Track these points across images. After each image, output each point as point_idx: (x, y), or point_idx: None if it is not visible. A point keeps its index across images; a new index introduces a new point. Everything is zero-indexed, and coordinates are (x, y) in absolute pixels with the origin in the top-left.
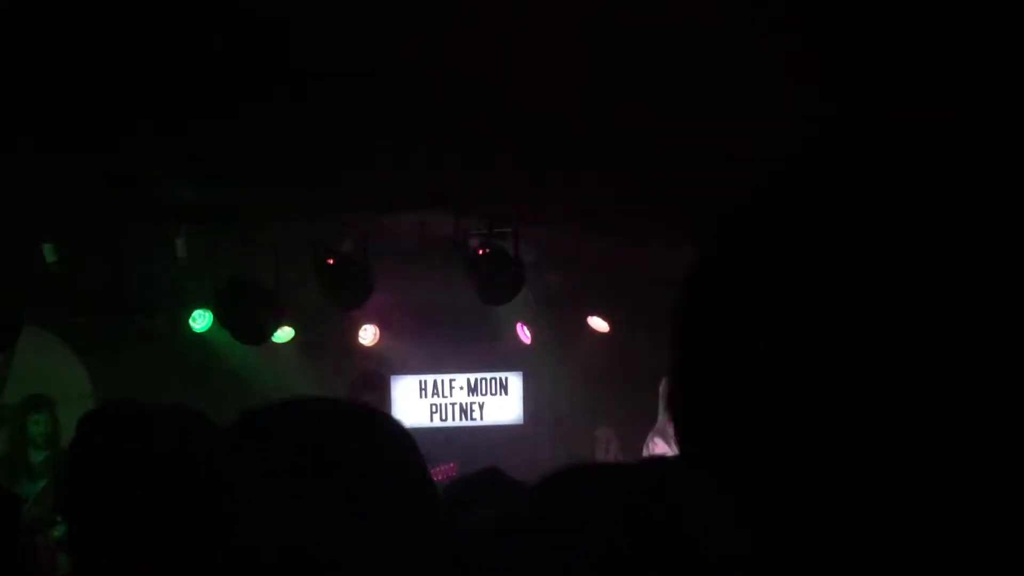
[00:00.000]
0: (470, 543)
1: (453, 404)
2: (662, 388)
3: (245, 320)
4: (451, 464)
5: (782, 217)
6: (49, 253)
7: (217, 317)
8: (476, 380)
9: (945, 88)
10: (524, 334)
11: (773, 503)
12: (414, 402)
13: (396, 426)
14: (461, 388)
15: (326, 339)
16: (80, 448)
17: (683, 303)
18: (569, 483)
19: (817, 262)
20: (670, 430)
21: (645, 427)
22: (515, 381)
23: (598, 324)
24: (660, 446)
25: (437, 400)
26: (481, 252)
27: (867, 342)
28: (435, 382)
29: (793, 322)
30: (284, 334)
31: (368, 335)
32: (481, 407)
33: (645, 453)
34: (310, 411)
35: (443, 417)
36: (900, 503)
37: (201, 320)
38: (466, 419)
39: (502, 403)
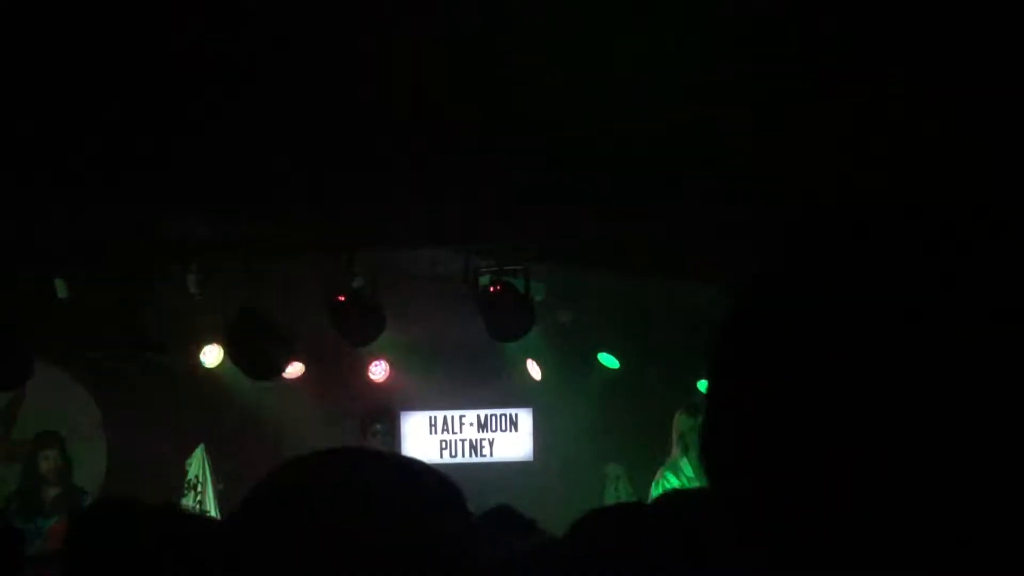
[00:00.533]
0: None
1: (463, 440)
2: (675, 422)
3: (256, 356)
4: None
5: (815, 268)
6: (61, 288)
7: (228, 353)
8: (486, 416)
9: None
10: (534, 370)
11: (798, 539)
12: (424, 438)
13: (447, 484)
14: (471, 424)
15: (336, 374)
16: (75, 546)
17: (719, 344)
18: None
19: (852, 312)
20: (682, 464)
21: (656, 463)
22: (525, 417)
23: (608, 360)
24: (670, 481)
25: (447, 436)
26: (492, 289)
27: (902, 393)
28: (445, 418)
29: (829, 367)
30: (294, 369)
31: (378, 371)
32: (491, 443)
33: (654, 487)
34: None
35: (453, 453)
36: (928, 548)
37: (211, 355)
38: (476, 455)
39: (512, 439)
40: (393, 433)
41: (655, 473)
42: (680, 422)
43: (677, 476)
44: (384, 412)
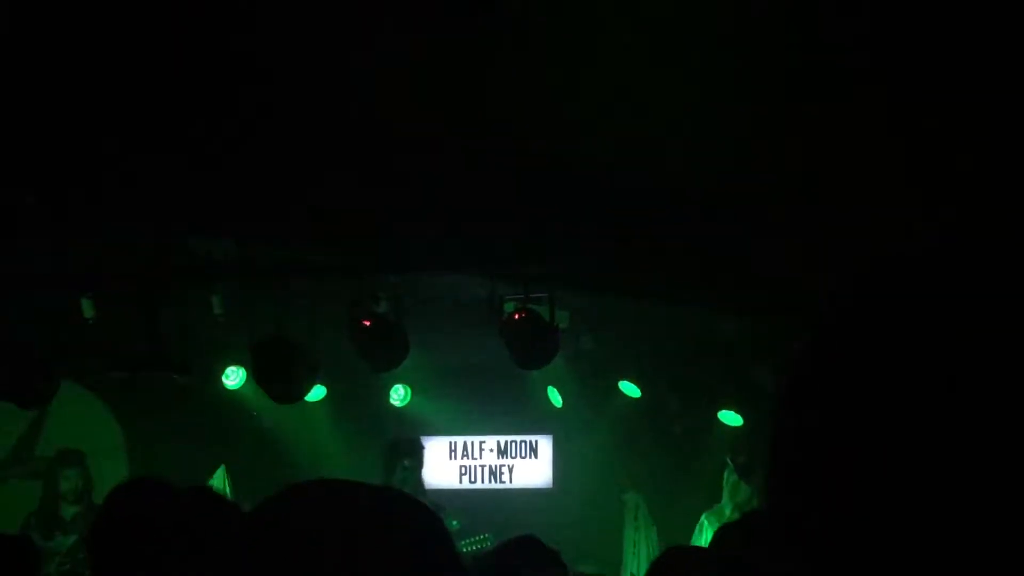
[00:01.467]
0: None
1: (483, 466)
2: (727, 473)
3: (280, 379)
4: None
5: (884, 313)
6: (87, 308)
7: (252, 375)
8: (506, 443)
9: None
10: (555, 397)
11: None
12: (444, 463)
13: (429, 519)
14: (491, 450)
15: (357, 398)
16: (106, 521)
17: (788, 389)
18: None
19: (922, 354)
20: (728, 513)
21: (675, 492)
22: (545, 444)
23: (629, 389)
24: (708, 526)
25: (467, 462)
26: (517, 316)
27: (975, 437)
28: (465, 444)
29: (901, 414)
30: (316, 392)
31: (399, 395)
32: (511, 470)
33: (696, 534)
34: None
35: (472, 479)
36: None
37: (234, 377)
38: (495, 482)
39: (532, 466)
40: (417, 468)
41: (675, 502)
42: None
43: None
44: (411, 445)
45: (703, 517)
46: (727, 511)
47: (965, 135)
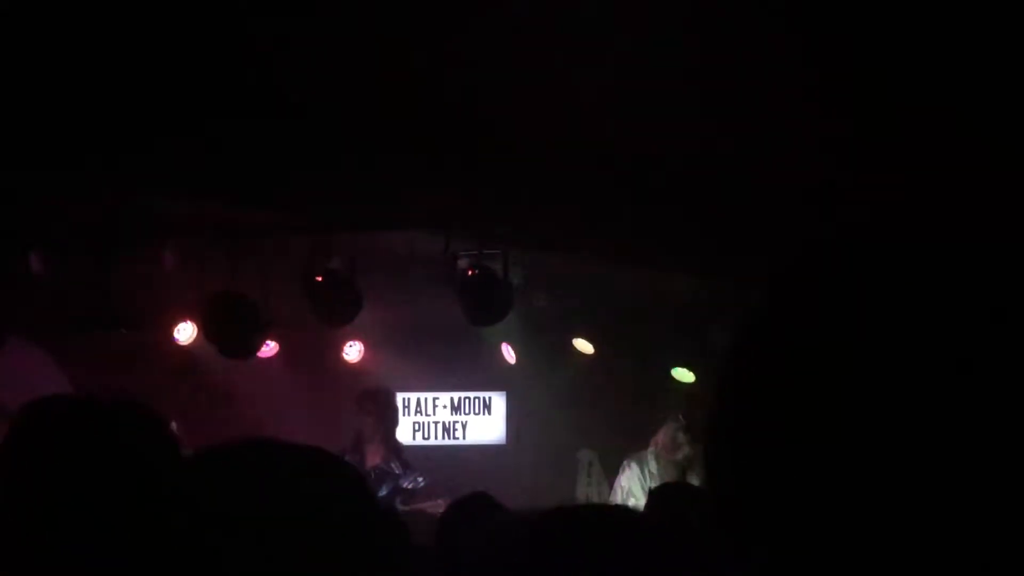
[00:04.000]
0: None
1: (436, 423)
2: (675, 429)
3: (232, 334)
4: (419, 478)
5: (830, 286)
6: (35, 263)
7: (203, 331)
8: (460, 399)
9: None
10: (509, 354)
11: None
12: None
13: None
14: (445, 407)
15: (311, 354)
16: (19, 440)
17: (730, 365)
18: (565, 527)
19: (862, 330)
20: (652, 467)
21: (629, 449)
22: (499, 401)
23: (583, 346)
24: (631, 471)
25: (420, 418)
26: (470, 273)
27: (917, 416)
28: (419, 400)
29: (842, 390)
30: (268, 348)
31: (353, 352)
32: (464, 426)
33: (620, 477)
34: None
35: (426, 435)
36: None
37: (185, 332)
38: (449, 438)
39: (485, 423)
40: (383, 419)
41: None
42: (674, 434)
43: (643, 471)
44: (379, 396)
45: (625, 461)
46: (651, 462)
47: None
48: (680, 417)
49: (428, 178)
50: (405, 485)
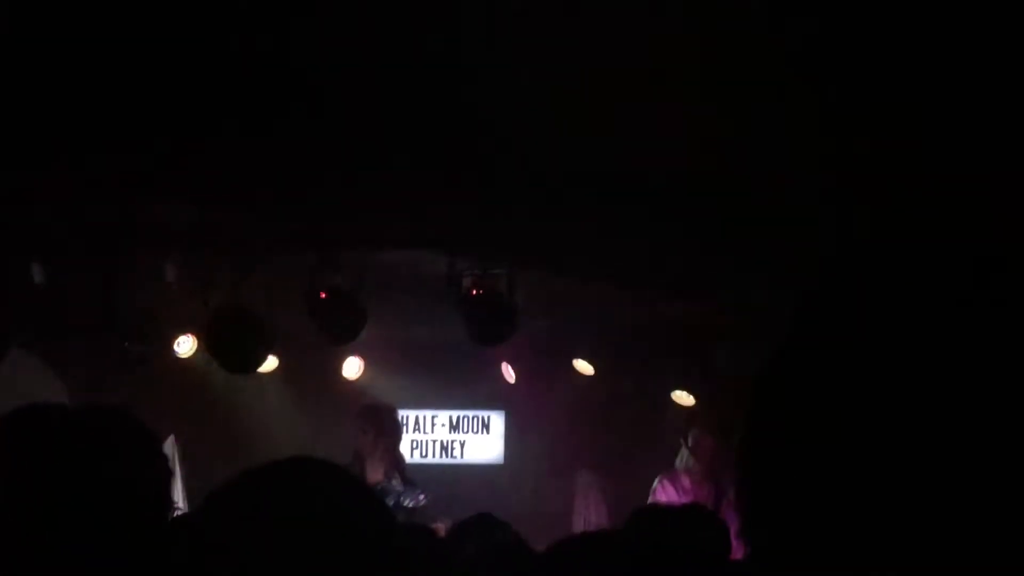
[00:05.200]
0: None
1: (434, 441)
2: (691, 439)
3: (235, 349)
4: (421, 496)
5: (854, 310)
6: (37, 273)
7: (206, 344)
8: (458, 418)
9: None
10: (509, 373)
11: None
12: None
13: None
14: (443, 425)
15: (310, 369)
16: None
17: (761, 389)
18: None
19: (893, 348)
20: (684, 480)
21: (627, 471)
22: (497, 420)
23: (583, 367)
24: (668, 490)
25: (418, 436)
26: (475, 292)
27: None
28: (417, 418)
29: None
30: (268, 363)
31: (352, 368)
32: (462, 445)
33: (652, 497)
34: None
35: (423, 454)
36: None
37: (185, 345)
38: (447, 456)
39: (483, 442)
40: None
41: (630, 481)
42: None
43: (675, 488)
44: (380, 413)
45: (657, 480)
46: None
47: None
48: (682, 442)
49: (433, 197)
50: (407, 503)
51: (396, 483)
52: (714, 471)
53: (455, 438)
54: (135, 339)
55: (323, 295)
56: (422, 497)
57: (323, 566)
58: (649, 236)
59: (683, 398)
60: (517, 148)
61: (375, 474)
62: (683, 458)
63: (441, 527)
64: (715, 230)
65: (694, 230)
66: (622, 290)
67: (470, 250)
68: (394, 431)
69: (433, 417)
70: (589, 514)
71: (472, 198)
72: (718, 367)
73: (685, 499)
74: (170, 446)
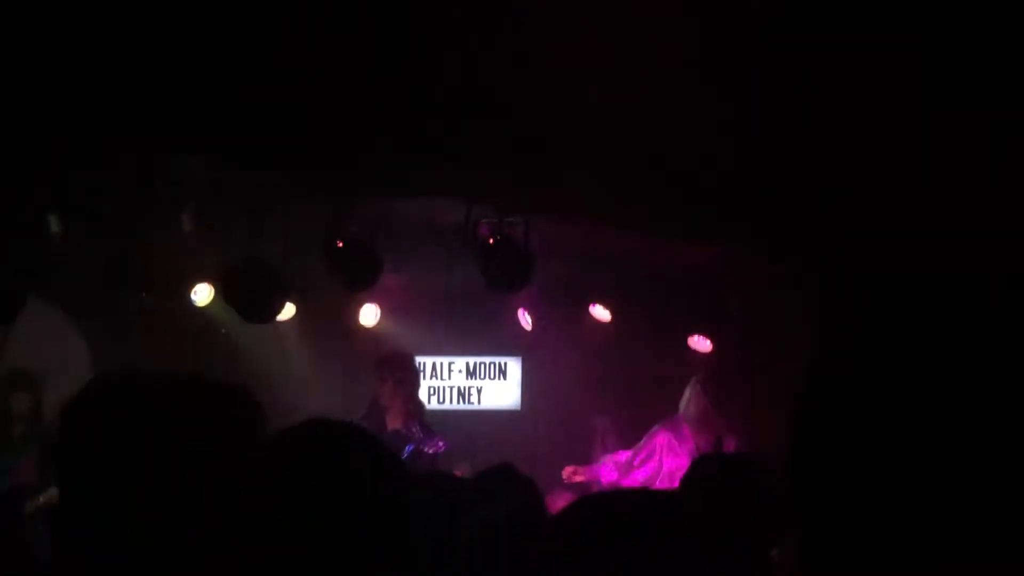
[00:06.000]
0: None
1: (451, 387)
2: (690, 386)
3: (252, 299)
4: (440, 443)
5: (891, 318)
6: (55, 224)
7: (223, 294)
8: (475, 364)
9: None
10: (525, 320)
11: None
12: None
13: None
14: (460, 371)
15: (327, 317)
16: (86, 413)
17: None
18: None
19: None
20: (684, 430)
21: (643, 417)
22: (514, 366)
23: (600, 313)
24: (662, 435)
25: (435, 383)
26: (491, 240)
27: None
28: (434, 364)
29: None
30: (286, 311)
31: (369, 316)
32: (479, 391)
33: (655, 453)
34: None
35: (440, 400)
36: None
37: (202, 294)
38: (464, 403)
39: (500, 388)
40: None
41: (642, 426)
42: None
43: (675, 435)
44: (399, 360)
45: (657, 426)
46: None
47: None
48: (695, 380)
49: (450, 145)
50: (427, 450)
51: (416, 430)
52: (708, 417)
53: (472, 384)
54: (152, 289)
55: (339, 243)
56: (441, 444)
57: (340, 527)
58: (664, 181)
59: (699, 343)
60: (533, 95)
61: (394, 421)
62: (685, 402)
63: (463, 472)
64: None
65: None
66: (638, 236)
67: (487, 197)
68: (412, 379)
69: (450, 364)
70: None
71: (489, 145)
72: (728, 313)
73: (685, 446)
74: None
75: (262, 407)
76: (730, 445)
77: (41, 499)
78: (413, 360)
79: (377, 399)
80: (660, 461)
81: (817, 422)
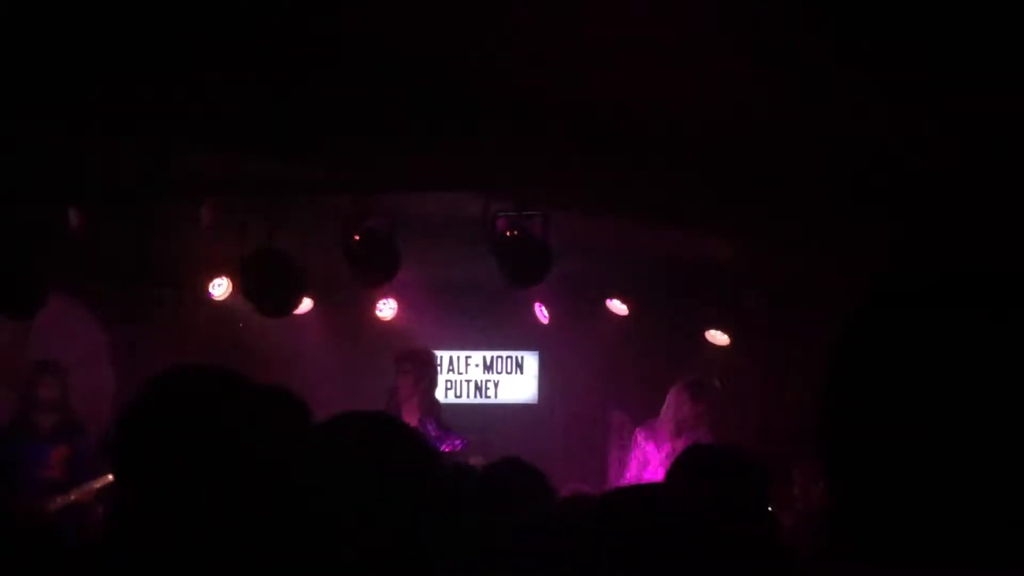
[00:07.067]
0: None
1: (468, 381)
2: (671, 395)
3: (270, 293)
4: (458, 441)
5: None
6: (74, 218)
7: (242, 288)
8: (492, 358)
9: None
10: (542, 314)
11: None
12: None
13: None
14: (477, 365)
15: (345, 311)
16: (148, 406)
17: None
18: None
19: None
20: (662, 432)
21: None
22: (531, 360)
23: (617, 307)
24: (647, 441)
25: (452, 376)
26: (509, 234)
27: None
28: (451, 358)
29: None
30: (303, 304)
31: (387, 309)
32: (496, 385)
33: (636, 447)
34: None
35: (458, 394)
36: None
37: (221, 287)
38: (481, 396)
39: (517, 382)
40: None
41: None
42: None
43: (654, 438)
44: (419, 356)
45: (637, 430)
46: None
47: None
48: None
49: (468, 139)
50: (443, 448)
51: (431, 427)
52: (682, 420)
53: (489, 378)
54: (171, 283)
55: (357, 238)
56: (459, 442)
57: (382, 515)
58: (683, 176)
59: (717, 337)
60: (551, 89)
61: (410, 418)
62: (670, 409)
63: (477, 463)
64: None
65: (728, 170)
66: (656, 231)
67: (505, 191)
68: (431, 375)
69: (467, 357)
70: (623, 455)
71: (507, 139)
72: (747, 309)
73: (663, 449)
74: None
75: (307, 405)
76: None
77: (72, 496)
78: (433, 356)
79: (395, 394)
80: (643, 451)
81: (846, 412)
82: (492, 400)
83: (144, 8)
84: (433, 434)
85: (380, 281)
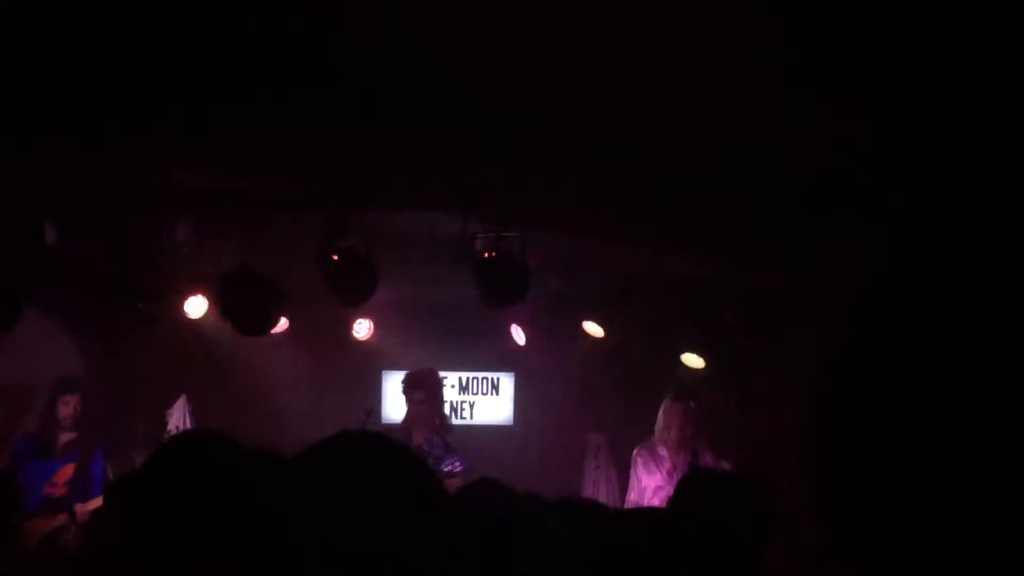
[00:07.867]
0: None
1: (444, 402)
2: (663, 410)
3: (248, 311)
4: (457, 462)
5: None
6: (50, 234)
7: (219, 306)
8: (468, 379)
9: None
10: (518, 335)
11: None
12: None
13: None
14: (452, 386)
15: (320, 330)
16: (160, 469)
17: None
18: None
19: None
20: (661, 451)
21: (636, 433)
22: (507, 382)
23: (593, 328)
24: (646, 462)
25: None
26: (487, 255)
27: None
28: None
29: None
30: (279, 324)
31: (363, 329)
32: (472, 406)
33: (633, 470)
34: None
35: None
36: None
37: (195, 306)
38: (456, 418)
39: (493, 403)
40: (427, 400)
41: (638, 443)
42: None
43: (653, 458)
44: (423, 377)
45: (635, 452)
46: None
47: None
48: (671, 396)
49: (447, 158)
50: (443, 468)
51: (437, 447)
52: (686, 437)
53: (465, 399)
54: (147, 300)
55: (335, 257)
56: (458, 464)
57: (380, 535)
58: (660, 198)
59: (693, 360)
60: (530, 109)
61: (419, 437)
62: (658, 426)
63: (452, 483)
64: (726, 192)
65: (704, 192)
66: (633, 252)
67: (483, 212)
68: (437, 395)
69: (443, 378)
70: (598, 476)
71: (486, 160)
72: (726, 330)
73: (663, 468)
74: (182, 406)
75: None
76: (706, 460)
77: (76, 511)
78: (439, 377)
79: (412, 419)
80: (636, 477)
81: (836, 423)
82: (468, 421)
83: (121, 22)
84: (436, 453)
85: (358, 300)
